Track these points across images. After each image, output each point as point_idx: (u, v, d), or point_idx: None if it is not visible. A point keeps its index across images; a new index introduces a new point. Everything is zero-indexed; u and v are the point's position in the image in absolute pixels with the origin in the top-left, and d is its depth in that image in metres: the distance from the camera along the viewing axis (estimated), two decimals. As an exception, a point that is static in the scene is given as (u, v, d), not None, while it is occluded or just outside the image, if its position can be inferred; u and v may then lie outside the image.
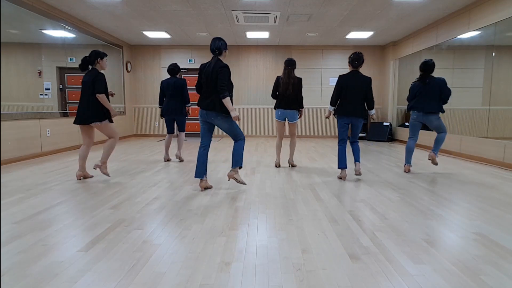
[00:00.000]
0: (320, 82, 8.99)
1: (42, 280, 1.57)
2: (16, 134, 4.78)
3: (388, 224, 2.37)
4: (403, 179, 3.88)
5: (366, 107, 3.83)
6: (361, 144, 7.62)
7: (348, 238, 2.11)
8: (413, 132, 4.32)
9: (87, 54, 3.59)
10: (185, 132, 4.92)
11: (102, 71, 3.64)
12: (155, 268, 1.69)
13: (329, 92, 8.99)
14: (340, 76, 3.82)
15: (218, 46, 3.13)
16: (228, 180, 3.33)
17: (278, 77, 4.41)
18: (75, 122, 3.60)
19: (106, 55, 3.66)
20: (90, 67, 3.62)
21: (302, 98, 4.38)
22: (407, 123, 7.78)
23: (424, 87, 4.12)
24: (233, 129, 3.21)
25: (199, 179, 3.72)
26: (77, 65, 6.38)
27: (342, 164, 3.84)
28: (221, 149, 6.52)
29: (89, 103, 3.54)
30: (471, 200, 3.02)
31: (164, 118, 4.93)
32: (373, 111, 3.86)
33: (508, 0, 4.60)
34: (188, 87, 5.00)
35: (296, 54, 8.90)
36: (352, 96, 3.75)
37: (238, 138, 3.27)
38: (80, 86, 6.65)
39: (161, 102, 4.90)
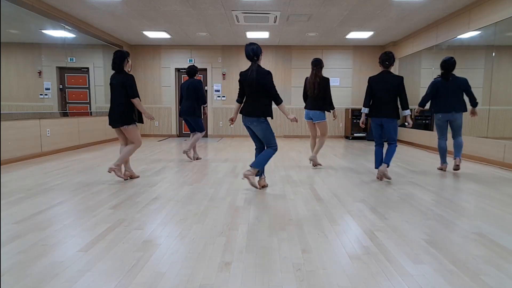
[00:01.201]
0: (320, 82, 8.98)
1: (42, 280, 1.57)
2: (16, 134, 4.78)
3: (388, 224, 2.37)
4: (403, 179, 3.88)
5: (400, 107, 3.71)
6: (361, 144, 7.62)
7: (348, 238, 2.11)
8: (441, 132, 4.32)
9: (110, 57, 3.51)
10: (203, 133, 5.12)
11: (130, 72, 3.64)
12: (155, 268, 1.69)
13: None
14: (369, 78, 3.80)
15: (256, 52, 3.16)
16: (242, 179, 3.32)
17: (306, 78, 4.44)
18: (110, 124, 3.59)
19: (129, 54, 3.61)
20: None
21: (330, 98, 4.36)
22: (407, 123, 7.76)
23: (447, 85, 4.09)
24: (267, 135, 3.26)
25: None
26: (76, 65, 6.39)
27: (377, 165, 3.82)
28: (221, 149, 6.52)
29: (119, 107, 3.51)
30: (471, 200, 3.02)
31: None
32: (407, 111, 3.67)
33: (508, 0, 4.60)
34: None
35: (296, 54, 8.90)
36: (381, 97, 3.69)
37: (270, 145, 3.30)
38: (80, 86, 6.65)
39: (179, 103, 5.06)
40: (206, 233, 2.18)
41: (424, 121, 6.99)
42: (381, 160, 3.80)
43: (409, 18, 6.22)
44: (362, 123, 3.87)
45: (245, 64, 8.93)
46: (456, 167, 4.17)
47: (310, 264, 1.75)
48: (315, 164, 4.57)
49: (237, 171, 4.27)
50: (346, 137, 8.94)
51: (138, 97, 3.55)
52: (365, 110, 3.85)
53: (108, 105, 7.58)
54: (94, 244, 1.98)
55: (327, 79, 4.33)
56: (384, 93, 3.68)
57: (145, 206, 2.75)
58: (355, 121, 8.80)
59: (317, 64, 4.33)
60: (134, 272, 1.65)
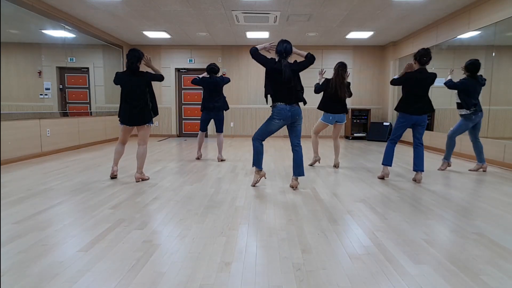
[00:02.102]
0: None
1: (42, 280, 1.57)
2: (16, 134, 4.78)
3: (388, 224, 2.37)
4: (403, 179, 3.88)
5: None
6: (361, 144, 7.62)
7: (348, 238, 2.11)
8: (461, 132, 4.29)
9: (128, 57, 3.53)
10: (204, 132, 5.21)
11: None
12: (155, 268, 1.69)
13: (329, 92, 9.00)
14: (407, 73, 3.66)
15: (287, 50, 3.22)
16: (294, 189, 3.34)
17: (328, 79, 4.36)
18: (128, 124, 3.58)
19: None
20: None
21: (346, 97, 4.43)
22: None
23: (479, 86, 4.12)
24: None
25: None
26: (76, 65, 6.39)
27: (387, 161, 3.72)
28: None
29: (144, 106, 3.56)
30: (471, 200, 3.02)
31: (202, 115, 5.02)
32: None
33: (508, 0, 4.60)
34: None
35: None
36: (420, 95, 3.61)
37: (300, 141, 3.38)
38: (80, 86, 6.65)
39: (196, 82, 4.92)
40: (206, 233, 2.18)
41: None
42: (392, 158, 3.74)
43: (409, 18, 6.22)
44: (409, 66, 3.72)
45: (245, 64, 8.93)
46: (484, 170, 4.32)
47: (310, 264, 1.75)
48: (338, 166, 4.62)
49: (237, 171, 4.27)
50: (346, 137, 8.94)
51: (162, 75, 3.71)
52: (395, 76, 3.80)
53: (112, 105, 7.58)
54: (94, 244, 1.98)
55: (349, 83, 4.42)
56: (422, 91, 3.61)
57: (145, 206, 2.75)
58: (355, 121, 8.80)
59: (346, 67, 4.33)
60: (134, 272, 1.65)
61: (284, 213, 2.59)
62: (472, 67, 4.14)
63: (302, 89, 3.30)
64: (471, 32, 5.39)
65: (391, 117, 8.55)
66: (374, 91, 9.04)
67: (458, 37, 5.73)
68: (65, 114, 6.02)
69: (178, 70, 9.03)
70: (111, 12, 5.92)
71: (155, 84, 9.00)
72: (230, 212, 2.62)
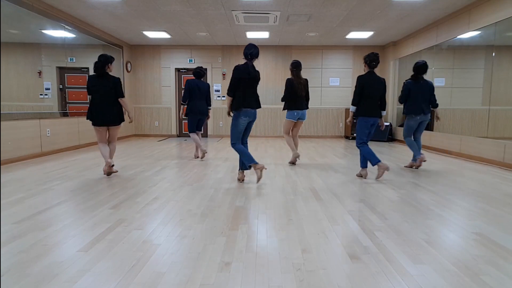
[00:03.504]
0: (320, 82, 8.99)
1: (42, 280, 1.57)
2: (16, 134, 4.78)
3: (388, 224, 2.37)
4: (403, 179, 3.88)
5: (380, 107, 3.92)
6: (361, 144, 7.62)
7: (348, 238, 2.11)
8: (411, 132, 4.51)
9: (92, 56, 3.75)
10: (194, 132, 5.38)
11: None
12: (155, 268, 1.69)
13: (329, 92, 8.99)
14: (360, 76, 3.83)
15: (255, 53, 3.47)
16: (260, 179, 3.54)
17: (291, 80, 4.59)
18: (98, 124, 3.82)
19: (114, 59, 3.95)
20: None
21: (309, 97, 4.73)
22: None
23: (419, 88, 4.30)
24: None
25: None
26: (76, 66, 6.39)
27: (376, 159, 3.76)
28: (221, 149, 6.52)
29: (114, 107, 3.86)
30: (471, 200, 3.02)
31: (188, 118, 5.13)
32: (384, 112, 3.93)
33: (508, 0, 4.60)
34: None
35: (296, 54, 8.90)
36: (374, 96, 3.80)
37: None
38: (80, 86, 6.64)
39: (185, 100, 5.07)
40: (206, 233, 2.18)
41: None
42: (374, 156, 3.78)
43: (409, 18, 6.22)
44: (350, 122, 3.98)
45: (245, 64, 8.92)
46: (419, 165, 4.49)
47: (310, 264, 1.75)
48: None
49: (237, 171, 4.27)
50: (346, 137, 8.94)
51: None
52: (353, 109, 3.91)
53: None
54: (94, 244, 1.98)
55: (307, 80, 4.74)
56: (376, 93, 3.81)
57: (145, 206, 2.75)
58: (355, 121, 8.80)
59: (299, 66, 4.62)
60: (134, 272, 1.65)
61: (284, 213, 2.60)
62: (419, 67, 4.30)
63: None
64: (471, 32, 5.40)
65: (390, 118, 8.56)
66: (374, 91, 9.04)
67: (458, 37, 5.73)
68: (65, 114, 6.02)
69: (178, 70, 9.03)
70: (111, 12, 5.92)
71: (153, 84, 9.03)
72: (230, 212, 2.62)
